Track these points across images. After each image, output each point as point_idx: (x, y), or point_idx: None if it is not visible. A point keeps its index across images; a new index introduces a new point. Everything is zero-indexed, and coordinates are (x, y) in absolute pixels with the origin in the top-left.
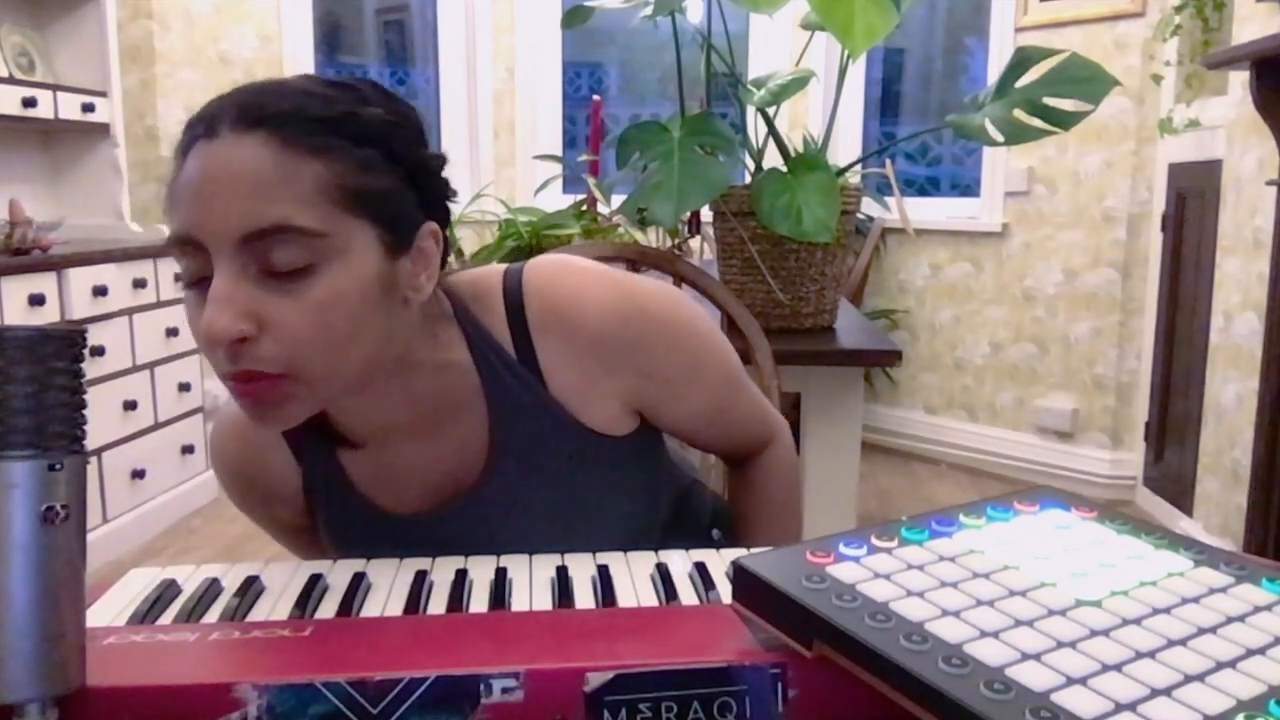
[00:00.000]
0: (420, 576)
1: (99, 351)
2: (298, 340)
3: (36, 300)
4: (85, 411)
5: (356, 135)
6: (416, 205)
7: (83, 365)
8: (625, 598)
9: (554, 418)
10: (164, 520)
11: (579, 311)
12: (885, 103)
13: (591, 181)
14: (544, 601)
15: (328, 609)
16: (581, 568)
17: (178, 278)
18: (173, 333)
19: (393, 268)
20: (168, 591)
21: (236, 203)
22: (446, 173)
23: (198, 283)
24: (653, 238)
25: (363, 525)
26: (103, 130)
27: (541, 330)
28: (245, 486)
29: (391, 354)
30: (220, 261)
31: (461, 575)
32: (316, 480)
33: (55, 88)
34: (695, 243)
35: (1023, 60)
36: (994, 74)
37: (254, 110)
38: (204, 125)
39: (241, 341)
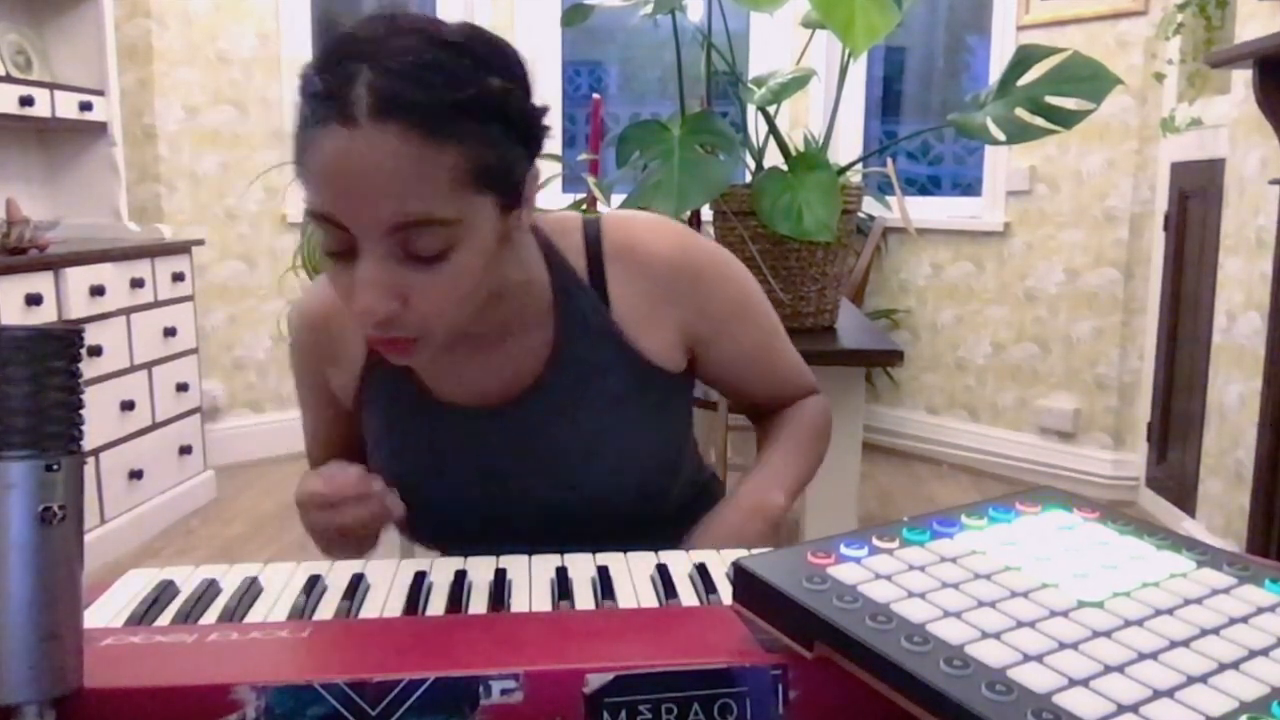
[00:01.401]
0: (419, 577)
1: (96, 351)
2: (433, 311)
3: (34, 300)
4: (83, 411)
5: (482, 113)
6: (525, 156)
7: (80, 365)
8: (625, 598)
9: (615, 339)
10: (162, 521)
11: (650, 245)
12: (886, 101)
13: (591, 180)
14: (543, 602)
15: (326, 610)
16: (581, 568)
17: (175, 277)
18: (170, 333)
19: (506, 223)
20: (166, 592)
21: (382, 199)
22: None
23: (337, 253)
24: None
25: (414, 410)
26: (100, 129)
27: (614, 259)
28: (315, 339)
29: (492, 283)
30: (367, 247)
31: (461, 576)
32: (378, 364)
33: (52, 86)
34: None
35: (1024, 59)
36: (995, 72)
37: (392, 100)
38: (339, 106)
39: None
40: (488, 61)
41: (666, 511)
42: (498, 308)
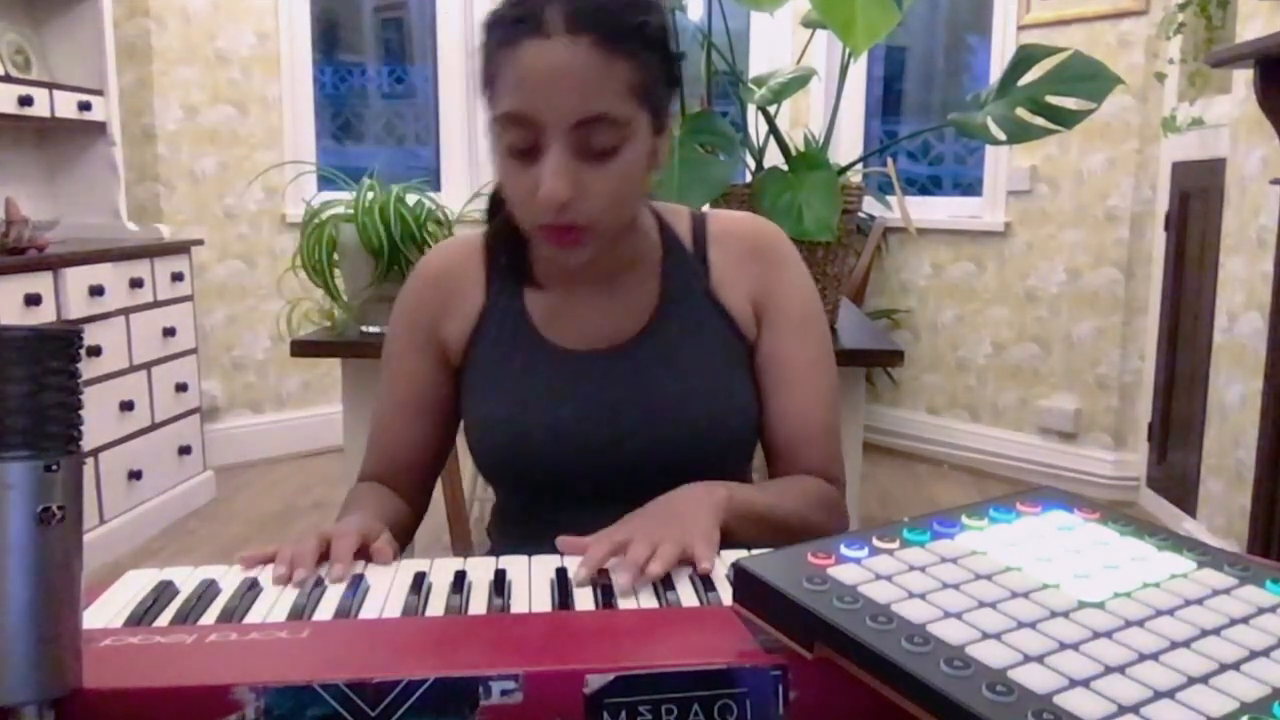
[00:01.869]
0: (419, 578)
1: (95, 351)
2: (605, 202)
3: (32, 300)
4: (81, 412)
5: (648, 41)
6: (669, 91)
7: (79, 365)
8: (625, 599)
9: (712, 300)
10: (161, 521)
11: (749, 224)
12: (887, 101)
13: None
14: (543, 603)
15: (326, 610)
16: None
17: (175, 277)
18: (169, 333)
19: (654, 144)
20: (165, 593)
21: (572, 97)
22: (447, 170)
23: (520, 153)
24: None
25: (527, 351)
26: (99, 129)
27: (716, 239)
28: (436, 290)
29: (636, 207)
30: (554, 141)
31: (460, 576)
32: (495, 312)
33: (51, 86)
34: None
35: (1025, 58)
36: (996, 72)
37: (582, 16)
38: (533, 22)
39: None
40: (650, 5)
41: (736, 474)
42: (622, 247)
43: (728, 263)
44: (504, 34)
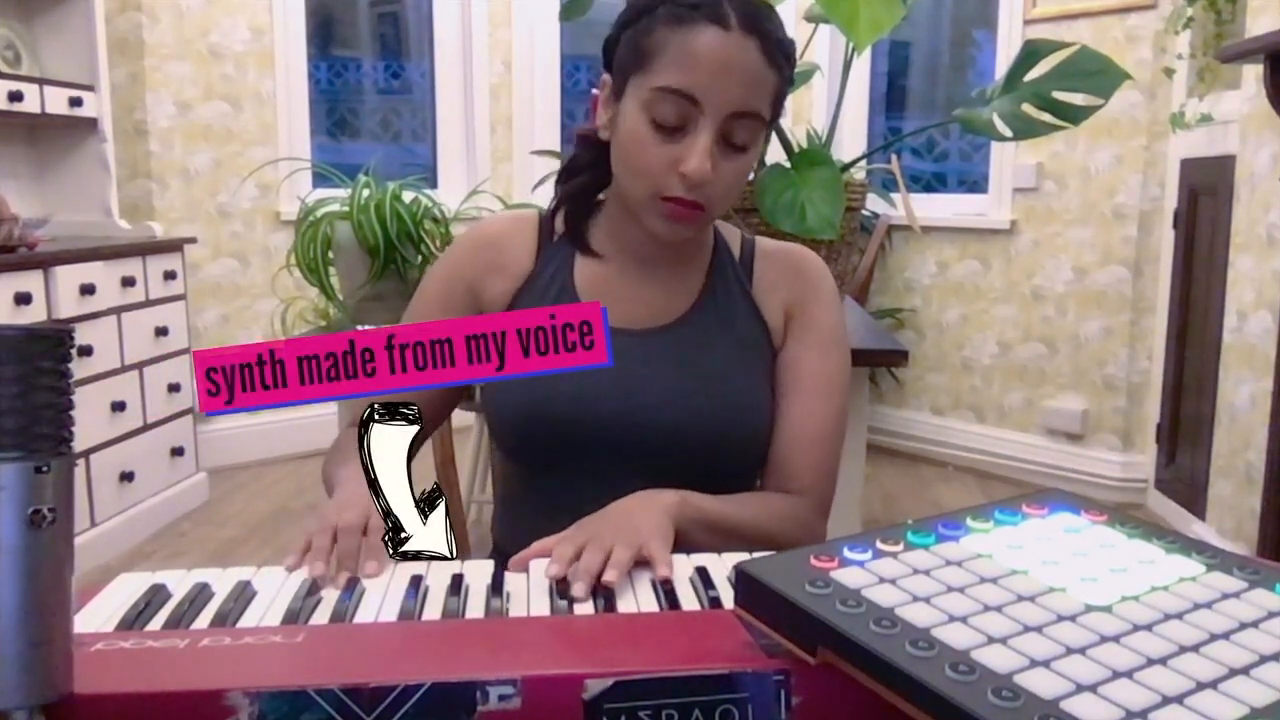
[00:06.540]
0: (416, 581)
1: (86, 351)
2: (725, 191)
3: (23, 299)
4: (73, 413)
5: (788, 61)
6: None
7: (70, 365)
8: (625, 603)
9: (749, 303)
10: (153, 524)
11: (795, 249)
12: (891, 97)
13: None
14: (542, 607)
15: (321, 615)
16: None
17: (167, 275)
18: (162, 332)
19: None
20: (157, 596)
21: (738, 89)
22: (444, 167)
23: (666, 128)
24: None
25: None
26: (90, 125)
27: (764, 254)
28: (484, 250)
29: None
30: (709, 124)
31: (458, 580)
32: (542, 279)
33: (42, 81)
34: None
35: (1031, 53)
36: (1002, 67)
37: (755, 20)
38: (713, 11)
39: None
40: (785, 30)
41: (749, 475)
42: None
43: (770, 274)
44: (678, 14)
